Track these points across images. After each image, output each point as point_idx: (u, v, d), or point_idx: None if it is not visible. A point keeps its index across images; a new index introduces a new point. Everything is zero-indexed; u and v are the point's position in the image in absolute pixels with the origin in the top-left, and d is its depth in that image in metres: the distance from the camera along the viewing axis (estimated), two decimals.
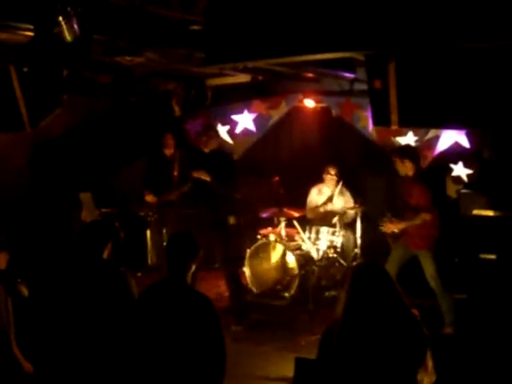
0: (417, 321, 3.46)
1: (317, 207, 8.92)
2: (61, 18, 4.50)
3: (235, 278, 7.54)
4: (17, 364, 4.42)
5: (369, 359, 3.33)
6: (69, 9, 4.50)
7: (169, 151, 8.21)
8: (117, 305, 4.15)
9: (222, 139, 8.61)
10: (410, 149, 7.30)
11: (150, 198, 8.08)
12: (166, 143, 8.22)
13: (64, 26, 4.53)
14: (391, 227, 6.85)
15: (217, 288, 7.78)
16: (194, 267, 4.03)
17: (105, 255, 4.37)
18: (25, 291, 5.00)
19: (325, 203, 8.87)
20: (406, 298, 3.49)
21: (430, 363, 3.41)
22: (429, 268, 6.62)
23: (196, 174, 7.38)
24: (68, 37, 4.58)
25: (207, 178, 7.31)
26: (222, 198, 7.35)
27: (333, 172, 8.79)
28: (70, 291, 4.25)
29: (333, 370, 3.39)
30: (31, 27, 4.70)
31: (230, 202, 7.55)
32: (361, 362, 3.34)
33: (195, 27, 5.63)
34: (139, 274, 8.39)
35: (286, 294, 8.07)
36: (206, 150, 7.54)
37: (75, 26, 4.59)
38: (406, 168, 6.78)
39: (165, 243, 7.88)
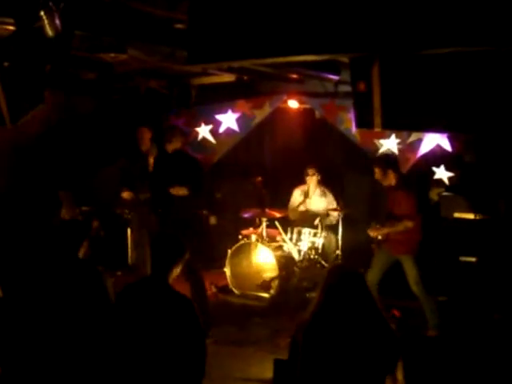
0: (389, 327, 3.44)
1: (296, 207, 8.92)
2: (42, 13, 4.46)
3: (199, 289, 6.91)
4: None
5: (332, 361, 3.33)
6: (51, 4, 4.46)
7: (144, 146, 7.88)
8: (92, 304, 4.09)
9: (185, 141, 7.82)
10: (390, 157, 7.21)
11: (126, 195, 7.90)
12: (140, 137, 7.90)
13: (46, 21, 4.49)
14: (376, 233, 6.87)
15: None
16: (179, 268, 3.99)
17: (81, 254, 4.31)
18: None
19: (303, 201, 8.88)
20: (382, 301, 3.48)
21: (400, 377, 3.38)
22: (411, 272, 6.61)
23: (174, 191, 6.95)
24: (49, 32, 4.53)
25: (185, 193, 6.94)
26: (185, 203, 7.00)
27: (311, 173, 8.81)
28: (43, 291, 4.18)
29: (299, 370, 3.39)
30: (12, 21, 4.65)
31: (194, 207, 7.25)
32: (324, 364, 3.34)
33: (179, 26, 5.59)
34: (119, 273, 8.33)
35: (267, 295, 8.06)
36: (169, 150, 7.21)
37: (57, 22, 4.54)
38: (389, 178, 6.72)
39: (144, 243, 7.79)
